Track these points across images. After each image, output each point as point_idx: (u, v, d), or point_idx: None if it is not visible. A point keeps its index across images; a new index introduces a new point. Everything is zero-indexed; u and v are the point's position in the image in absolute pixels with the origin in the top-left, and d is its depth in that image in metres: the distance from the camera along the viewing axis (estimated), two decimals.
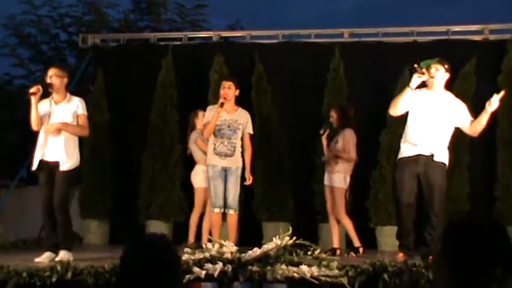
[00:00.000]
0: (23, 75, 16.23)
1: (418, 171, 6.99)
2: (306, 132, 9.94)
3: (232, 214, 8.01)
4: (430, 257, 6.66)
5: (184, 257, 5.83)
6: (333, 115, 8.47)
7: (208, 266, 5.60)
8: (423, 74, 6.97)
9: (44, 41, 16.23)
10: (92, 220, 10.39)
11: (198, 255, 5.86)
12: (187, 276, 5.50)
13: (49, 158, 7.18)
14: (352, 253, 8.13)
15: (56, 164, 7.16)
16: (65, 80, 7.43)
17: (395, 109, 7.12)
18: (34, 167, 7.23)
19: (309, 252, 6.01)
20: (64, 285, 5.74)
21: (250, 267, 5.62)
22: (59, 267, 5.82)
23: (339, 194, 8.24)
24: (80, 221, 10.17)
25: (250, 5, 28.96)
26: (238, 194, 8.10)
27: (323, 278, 5.50)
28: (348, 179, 8.29)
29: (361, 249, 8.14)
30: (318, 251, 6.14)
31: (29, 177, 12.20)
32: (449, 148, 7.24)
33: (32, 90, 7.18)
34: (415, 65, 6.99)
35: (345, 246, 9.06)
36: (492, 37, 10.10)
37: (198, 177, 8.83)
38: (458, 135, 9.54)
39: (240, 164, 8.09)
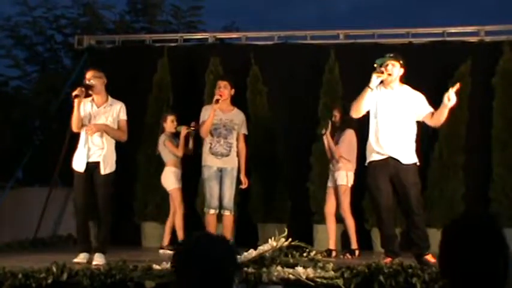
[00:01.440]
0: (18, 77, 16.18)
1: (389, 173, 6.94)
2: (301, 133, 9.95)
3: (228, 215, 8.03)
4: (426, 256, 6.68)
5: None
6: (336, 115, 8.51)
7: None
8: (382, 73, 6.95)
9: (40, 43, 16.17)
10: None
11: None
12: None
13: (90, 159, 7.20)
14: (348, 254, 8.14)
15: (96, 166, 7.19)
16: (104, 81, 7.44)
17: (357, 111, 7.11)
18: (81, 168, 7.19)
19: (305, 254, 6.01)
20: (59, 286, 5.73)
21: (245, 268, 5.62)
22: (54, 269, 5.81)
23: (343, 192, 8.24)
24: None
25: (245, 6, 28.97)
26: (234, 195, 8.10)
27: (319, 280, 5.50)
28: (352, 178, 8.30)
29: (357, 252, 8.15)
30: (314, 252, 6.15)
31: (24, 178, 12.21)
32: (416, 141, 7.18)
33: (75, 92, 7.16)
34: (374, 65, 6.94)
35: (340, 248, 9.07)
36: (488, 39, 10.13)
37: (169, 180, 8.84)
38: (452, 136, 9.61)
39: (236, 165, 8.09)
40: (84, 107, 7.27)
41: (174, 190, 8.85)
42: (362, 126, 8.60)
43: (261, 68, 10.27)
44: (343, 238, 9.57)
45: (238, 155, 8.13)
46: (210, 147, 7.99)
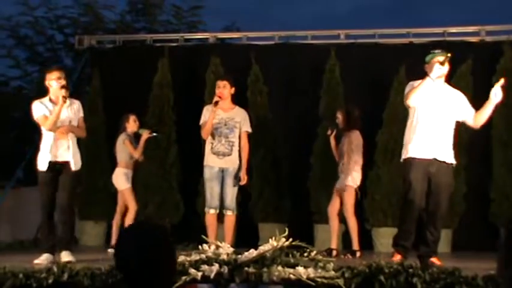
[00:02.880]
0: (19, 77, 16.21)
1: (429, 173, 6.72)
2: (302, 133, 9.96)
3: (230, 215, 7.97)
4: (432, 259, 6.63)
5: (180, 258, 5.83)
6: (339, 116, 8.50)
7: (205, 267, 5.59)
8: (443, 64, 6.73)
9: (40, 43, 16.21)
10: (88, 221, 10.38)
11: (194, 257, 5.86)
12: (183, 277, 5.49)
13: (59, 158, 7.23)
14: (348, 255, 8.13)
15: (65, 165, 7.21)
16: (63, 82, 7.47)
17: (414, 100, 6.79)
18: (44, 167, 7.22)
19: (305, 254, 6.01)
20: (60, 286, 5.73)
21: (246, 268, 5.62)
22: (55, 269, 5.81)
23: (348, 192, 8.24)
24: (77, 222, 10.15)
25: (246, 6, 28.98)
26: (236, 195, 8.08)
27: (319, 280, 5.50)
28: (359, 178, 8.30)
29: (358, 253, 8.13)
30: (314, 252, 6.14)
31: (25, 178, 12.21)
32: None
33: (65, 94, 7.17)
34: (440, 57, 6.72)
35: (342, 248, 9.07)
36: (488, 38, 10.13)
37: (120, 180, 8.89)
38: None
39: (238, 165, 8.04)
40: (44, 108, 7.27)
41: (126, 190, 8.89)
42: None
43: (261, 68, 10.28)
44: (344, 238, 9.58)
45: (240, 153, 8.10)
46: (212, 147, 7.94)
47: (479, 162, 9.64)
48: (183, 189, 10.10)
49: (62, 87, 7.19)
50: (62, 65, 15.64)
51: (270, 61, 10.35)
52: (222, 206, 7.97)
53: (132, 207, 8.85)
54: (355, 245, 8.25)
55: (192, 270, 5.54)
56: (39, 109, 7.29)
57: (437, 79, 6.80)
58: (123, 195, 8.94)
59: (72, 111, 7.38)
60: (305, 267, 5.65)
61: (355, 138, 8.32)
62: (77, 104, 7.47)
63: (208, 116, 7.91)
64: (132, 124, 8.94)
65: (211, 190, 7.91)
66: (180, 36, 11.50)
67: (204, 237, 6.83)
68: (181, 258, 5.84)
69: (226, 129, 7.97)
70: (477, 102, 9.67)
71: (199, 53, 10.72)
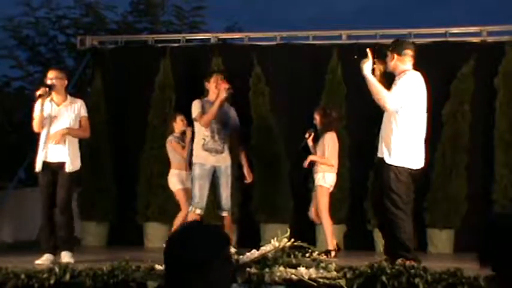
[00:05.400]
0: (21, 77, 16.23)
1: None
2: (303, 134, 9.94)
3: (227, 216, 7.80)
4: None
5: None
6: (316, 117, 8.47)
7: None
8: (373, 66, 6.52)
9: (42, 43, 16.23)
10: (91, 222, 10.38)
11: None
12: None
13: (52, 159, 7.21)
14: (322, 254, 8.08)
15: (60, 166, 7.20)
16: (65, 82, 7.48)
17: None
18: (38, 168, 7.23)
19: (307, 254, 6.01)
20: (62, 287, 5.73)
21: (248, 269, 5.62)
22: (57, 269, 5.82)
23: (321, 192, 8.23)
24: (79, 222, 10.16)
25: (248, 6, 28.99)
26: (230, 195, 7.92)
27: (321, 280, 5.50)
28: (331, 178, 8.27)
29: (333, 253, 8.01)
30: (316, 252, 6.14)
31: (27, 179, 12.21)
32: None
33: (39, 92, 7.18)
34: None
35: (343, 247, 9.07)
36: (490, 39, 10.12)
37: (171, 181, 8.91)
38: (455, 137, 9.60)
39: (230, 162, 7.87)
40: (44, 108, 7.27)
41: (177, 191, 8.84)
42: (358, 127, 8.64)
43: (263, 68, 10.28)
44: (345, 238, 9.59)
45: (234, 151, 7.98)
46: (204, 144, 7.70)
47: (481, 163, 9.64)
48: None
49: (45, 86, 7.23)
50: (64, 65, 15.68)
51: (272, 61, 10.34)
52: (217, 207, 7.82)
53: (184, 209, 8.70)
54: (330, 245, 8.18)
55: None
56: (35, 109, 7.31)
57: (394, 71, 6.61)
58: (176, 196, 8.90)
59: (72, 110, 7.35)
60: (307, 267, 5.65)
61: (330, 139, 8.29)
62: (78, 104, 7.44)
63: (202, 107, 7.69)
64: (179, 124, 8.83)
65: (202, 189, 7.62)
66: (181, 37, 11.50)
67: None
68: None
69: (219, 125, 7.76)
70: (478, 102, 9.74)
71: (201, 54, 10.71)
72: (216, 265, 2.34)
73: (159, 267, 5.75)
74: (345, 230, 9.66)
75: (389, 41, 10.27)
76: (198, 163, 7.69)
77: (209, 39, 11.36)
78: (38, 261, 6.94)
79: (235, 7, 25.12)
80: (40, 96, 7.17)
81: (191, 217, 7.65)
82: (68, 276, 5.76)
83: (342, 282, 5.46)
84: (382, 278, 5.42)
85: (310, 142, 8.52)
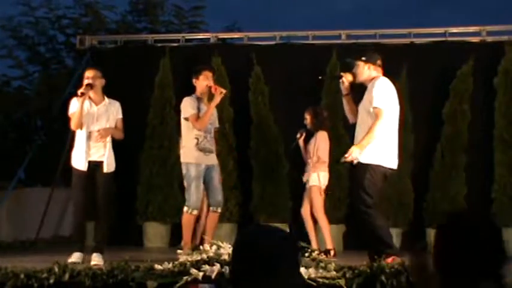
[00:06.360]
0: (20, 77, 16.21)
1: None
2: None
3: (218, 212, 7.79)
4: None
5: (182, 258, 5.84)
6: (307, 117, 8.50)
7: (206, 267, 5.59)
8: (340, 77, 6.82)
9: (42, 43, 16.21)
10: (90, 222, 10.35)
11: (196, 257, 5.86)
12: (185, 277, 5.50)
13: (94, 158, 7.19)
14: (322, 254, 8.09)
15: (98, 165, 7.19)
16: (103, 81, 7.44)
17: (349, 119, 6.93)
18: (83, 166, 7.16)
19: (307, 254, 6.01)
20: (61, 287, 5.73)
21: None
22: (56, 269, 5.82)
23: (315, 192, 8.23)
24: None
25: (247, 6, 28.99)
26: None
27: (320, 280, 5.50)
28: (325, 178, 8.28)
29: (332, 252, 8.02)
30: (316, 252, 6.15)
31: (26, 179, 12.22)
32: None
33: (82, 90, 7.12)
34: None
35: (342, 248, 9.07)
36: (489, 39, 10.13)
37: None
38: (454, 136, 9.60)
39: (217, 161, 7.91)
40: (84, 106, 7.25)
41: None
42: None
43: (262, 68, 10.28)
44: (345, 238, 9.59)
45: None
46: (198, 143, 7.62)
47: (480, 162, 9.64)
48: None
49: (87, 85, 7.17)
50: (63, 65, 15.69)
51: (271, 61, 10.34)
52: (211, 204, 7.74)
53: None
54: (329, 244, 8.19)
55: (194, 270, 5.54)
56: (72, 106, 7.26)
57: (364, 79, 6.68)
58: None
59: (110, 111, 7.33)
60: (306, 267, 5.65)
61: (322, 138, 8.32)
62: (116, 105, 7.42)
63: (196, 106, 7.66)
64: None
65: (198, 190, 7.57)
66: (181, 37, 11.50)
67: (204, 236, 6.83)
68: (182, 258, 5.86)
69: (209, 124, 7.75)
70: (478, 102, 9.74)
71: (200, 53, 10.71)
72: (284, 262, 2.35)
73: (159, 266, 5.76)
74: (344, 229, 9.66)
75: (389, 41, 10.37)
76: (193, 163, 7.61)
77: (209, 38, 11.36)
78: (70, 259, 6.89)
79: (235, 7, 25.10)
80: (82, 94, 7.11)
81: (188, 218, 7.60)
82: (67, 276, 5.77)
83: (342, 282, 5.46)
84: (381, 277, 5.42)
85: (301, 142, 8.56)
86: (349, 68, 6.80)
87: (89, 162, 7.18)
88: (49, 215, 10.38)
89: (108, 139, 7.29)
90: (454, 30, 10.36)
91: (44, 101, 13.62)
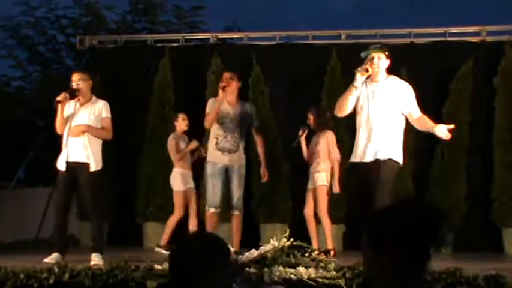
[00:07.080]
0: (20, 77, 16.24)
1: (370, 178, 6.42)
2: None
3: (238, 215, 7.83)
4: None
5: None
6: (310, 117, 8.48)
7: None
8: (366, 71, 6.50)
9: (42, 43, 16.23)
10: (88, 222, 10.37)
11: None
12: None
13: (74, 159, 7.16)
14: (322, 254, 8.09)
15: (80, 166, 7.15)
16: (90, 83, 7.43)
17: (342, 111, 6.68)
18: (61, 167, 7.17)
19: (306, 254, 6.01)
20: (61, 287, 5.73)
21: (247, 268, 5.63)
22: (56, 269, 5.82)
23: (321, 192, 8.22)
24: (77, 222, 10.15)
25: (247, 6, 28.98)
26: (243, 194, 7.91)
27: (320, 280, 5.50)
28: (330, 178, 8.28)
29: (332, 252, 8.03)
30: (316, 252, 6.15)
31: (26, 179, 12.22)
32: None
33: (59, 98, 7.13)
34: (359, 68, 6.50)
35: (342, 248, 9.07)
36: (489, 39, 10.13)
37: (175, 181, 8.88)
38: (454, 136, 9.59)
39: (243, 162, 7.85)
40: (67, 107, 7.24)
41: (176, 193, 8.81)
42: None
43: (262, 68, 10.28)
44: (345, 238, 9.59)
45: (247, 150, 7.95)
46: (217, 143, 7.66)
47: (480, 162, 9.64)
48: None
49: (68, 91, 7.20)
50: (63, 65, 15.71)
51: (271, 61, 10.34)
52: (229, 206, 7.83)
53: (178, 212, 8.73)
54: (329, 245, 8.19)
55: None
56: (57, 110, 7.29)
57: (380, 75, 6.61)
58: (174, 197, 8.83)
59: (92, 110, 7.30)
60: (306, 267, 5.66)
61: (327, 137, 8.30)
62: (100, 104, 7.38)
63: (213, 106, 7.65)
64: (181, 122, 8.84)
65: (214, 187, 7.64)
66: (181, 37, 11.50)
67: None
68: None
69: (232, 124, 7.70)
70: (477, 102, 9.74)
71: (200, 53, 10.72)
72: (217, 269, 2.61)
73: (158, 266, 5.76)
74: (344, 229, 9.65)
75: (389, 40, 10.36)
76: (210, 162, 7.71)
77: (208, 38, 11.36)
78: (46, 259, 6.91)
79: (235, 7, 25.11)
80: (59, 102, 7.12)
81: (207, 217, 7.71)
82: (67, 276, 5.76)
83: (341, 282, 5.46)
84: None
85: (303, 140, 8.53)
86: (361, 62, 6.65)
87: (69, 163, 7.15)
88: (49, 214, 10.37)
89: (91, 139, 7.23)
90: (454, 30, 10.37)
91: (44, 101, 13.63)
